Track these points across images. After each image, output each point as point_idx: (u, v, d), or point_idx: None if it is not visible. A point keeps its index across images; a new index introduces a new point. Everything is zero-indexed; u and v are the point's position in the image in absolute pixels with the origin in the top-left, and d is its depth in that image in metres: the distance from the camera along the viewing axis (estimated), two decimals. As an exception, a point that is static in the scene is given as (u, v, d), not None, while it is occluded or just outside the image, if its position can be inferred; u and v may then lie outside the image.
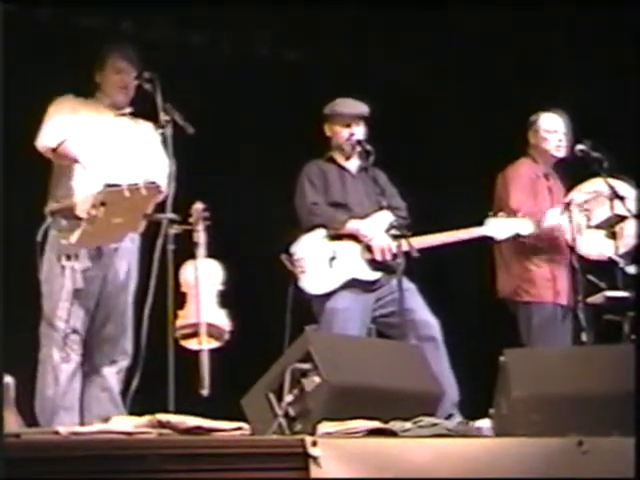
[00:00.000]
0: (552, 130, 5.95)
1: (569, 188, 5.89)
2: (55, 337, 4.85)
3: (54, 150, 4.88)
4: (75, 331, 4.87)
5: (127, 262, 5.02)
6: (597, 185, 5.73)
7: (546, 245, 5.84)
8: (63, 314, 4.85)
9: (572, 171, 5.89)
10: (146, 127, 5.11)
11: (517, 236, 5.65)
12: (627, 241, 5.69)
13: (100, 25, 6.27)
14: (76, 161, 4.83)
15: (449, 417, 4.85)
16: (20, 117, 4.82)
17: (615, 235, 5.65)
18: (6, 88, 4.05)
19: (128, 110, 5.13)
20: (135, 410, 4.48)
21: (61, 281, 4.86)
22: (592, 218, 5.70)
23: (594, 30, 6.58)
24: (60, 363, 4.83)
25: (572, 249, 5.70)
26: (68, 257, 4.83)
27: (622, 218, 5.63)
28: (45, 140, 4.89)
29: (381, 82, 6.65)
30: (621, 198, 5.59)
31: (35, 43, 5.84)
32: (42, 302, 4.92)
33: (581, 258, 5.72)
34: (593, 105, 6.25)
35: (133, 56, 5.08)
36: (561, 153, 5.95)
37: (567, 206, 5.65)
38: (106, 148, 4.91)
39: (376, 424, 3.66)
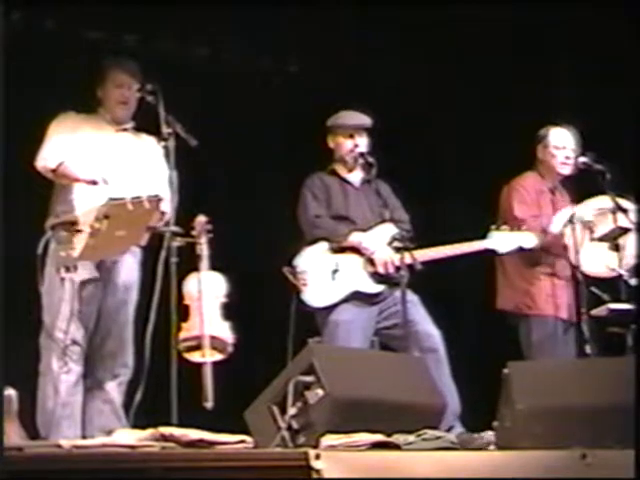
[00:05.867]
0: (561, 146, 5.89)
1: (576, 203, 5.86)
2: (54, 348, 4.85)
3: (54, 171, 4.89)
4: (75, 342, 4.86)
5: (127, 276, 5.02)
6: (602, 201, 5.71)
7: (549, 258, 5.83)
8: (63, 325, 4.84)
9: (580, 186, 5.86)
10: (148, 141, 5.11)
11: (520, 249, 5.64)
12: (630, 253, 5.68)
13: (103, 39, 6.28)
14: (77, 180, 4.83)
15: (450, 429, 4.84)
16: (23, 131, 4.83)
17: (618, 247, 5.64)
18: (7, 102, 4.05)
19: (130, 125, 5.12)
20: (138, 423, 4.48)
21: (60, 293, 4.85)
22: (595, 231, 5.68)
23: (595, 45, 6.58)
24: (60, 374, 4.82)
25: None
26: (67, 269, 4.82)
27: (625, 230, 5.62)
28: (44, 161, 4.89)
29: (384, 94, 6.65)
30: (624, 210, 5.58)
31: (38, 58, 5.84)
32: (43, 314, 4.92)
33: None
34: (594, 118, 6.24)
35: (134, 69, 5.06)
36: (566, 170, 5.90)
37: (571, 220, 5.64)
38: (107, 164, 4.91)
39: (379, 437, 3.65)
